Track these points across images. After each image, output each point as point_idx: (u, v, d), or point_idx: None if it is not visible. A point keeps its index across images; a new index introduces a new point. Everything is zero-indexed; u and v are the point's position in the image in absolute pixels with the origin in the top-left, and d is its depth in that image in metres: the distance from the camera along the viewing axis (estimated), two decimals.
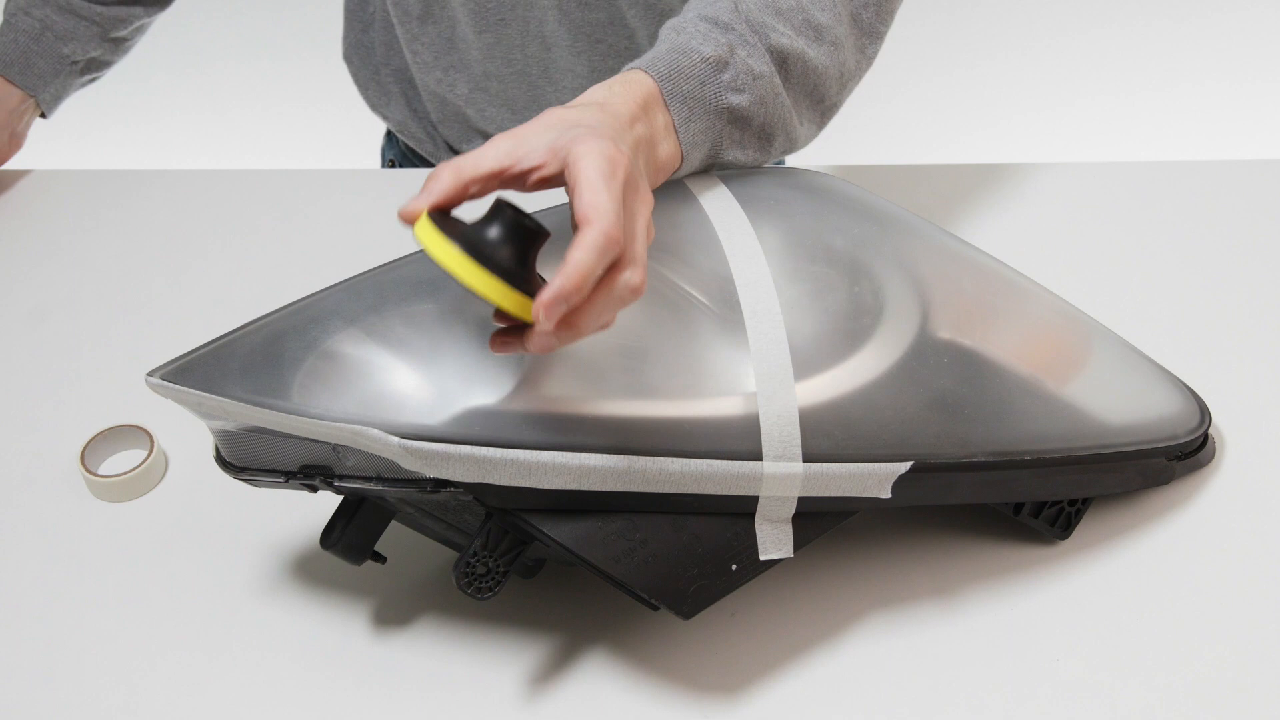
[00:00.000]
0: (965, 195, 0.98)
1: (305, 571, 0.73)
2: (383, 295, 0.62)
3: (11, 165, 1.05)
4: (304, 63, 2.38)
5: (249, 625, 0.70)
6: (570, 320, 0.53)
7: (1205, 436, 0.75)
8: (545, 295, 0.51)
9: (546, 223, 0.63)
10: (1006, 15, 2.62)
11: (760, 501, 0.61)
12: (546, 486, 0.58)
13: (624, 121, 0.60)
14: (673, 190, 0.67)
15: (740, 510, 0.62)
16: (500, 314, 0.57)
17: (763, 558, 0.62)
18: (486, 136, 1.06)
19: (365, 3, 1.09)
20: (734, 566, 0.62)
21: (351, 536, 0.64)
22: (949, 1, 2.64)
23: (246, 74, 2.52)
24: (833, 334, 0.63)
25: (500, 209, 0.54)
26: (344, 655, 0.69)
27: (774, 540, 0.63)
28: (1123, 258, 0.92)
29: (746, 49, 0.66)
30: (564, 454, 0.58)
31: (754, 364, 0.61)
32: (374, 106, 1.13)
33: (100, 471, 0.79)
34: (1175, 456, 0.73)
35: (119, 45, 1.06)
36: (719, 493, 0.61)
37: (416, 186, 1.02)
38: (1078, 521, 0.72)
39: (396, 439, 0.56)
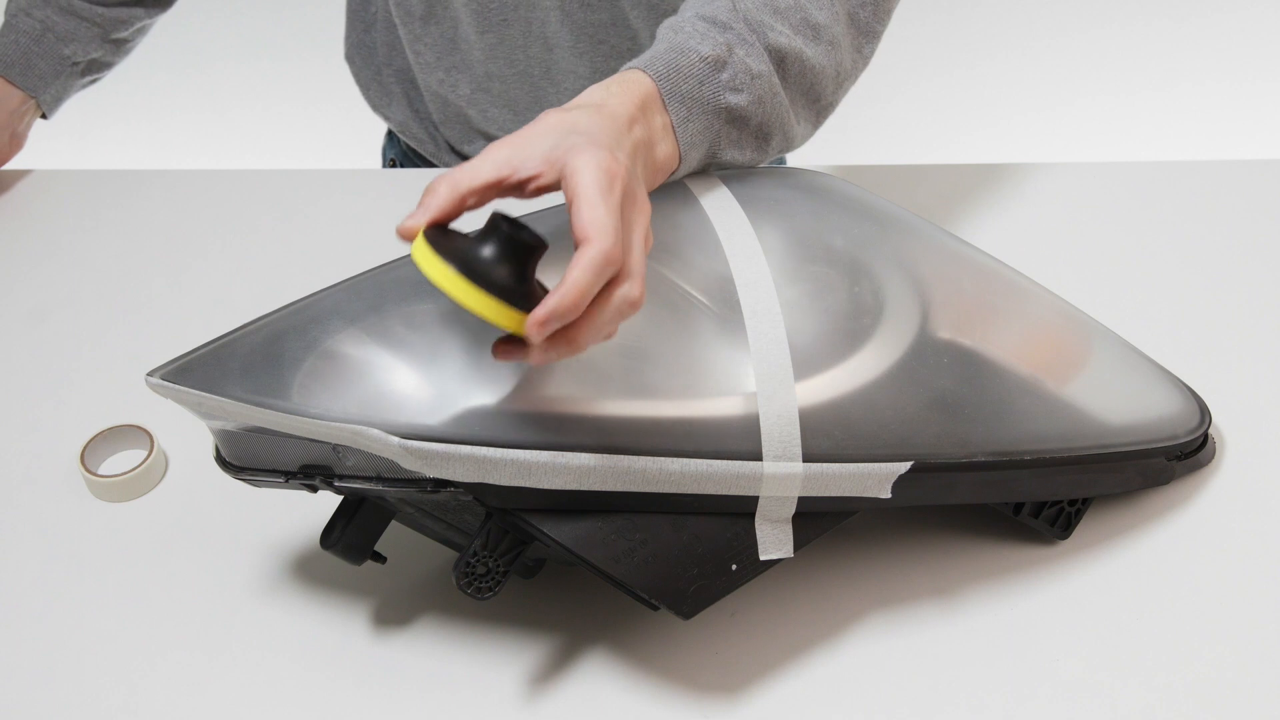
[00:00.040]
0: (965, 195, 0.98)
1: (305, 571, 0.73)
2: (383, 295, 0.62)
3: (11, 165, 1.05)
4: (304, 63, 2.38)
5: (249, 625, 0.70)
6: (569, 335, 0.53)
7: (1205, 436, 0.75)
8: (538, 313, 0.51)
9: (547, 222, 0.63)
10: (1006, 15, 2.62)
11: (760, 501, 0.61)
12: (546, 486, 0.58)
13: (622, 124, 0.60)
14: (673, 190, 0.67)
15: (740, 510, 0.62)
16: None
17: (763, 558, 0.62)
18: (488, 137, 1.06)
19: (367, 3, 1.09)
20: (734, 566, 0.62)
21: (351, 536, 0.64)
22: (949, 1, 2.64)
23: (246, 74, 2.52)
24: (833, 334, 0.63)
25: (496, 225, 0.53)
26: (344, 655, 0.69)
27: (774, 540, 0.63)
28: (1123, 258, 0.92)
29: (745, 48, 0.66)
30: (564, 454, 0.58)
31: (754, 364, 0.61)
32: (375, 107, 1.13)
33: (100, 471, 0.79)
34: (1175, 456, 0.73)
35: (120, 46, 1.06)
36: (719, 493, 0.61)
37: (417, 186, 1.02)
38: (1078, 521, 0.72)
39: (396, 439, 0.56)
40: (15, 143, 1.04)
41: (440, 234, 0.54)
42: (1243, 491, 0.76)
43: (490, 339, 0.57)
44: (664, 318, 0.61)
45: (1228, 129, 2.30)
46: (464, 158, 1.09)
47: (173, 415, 0.81)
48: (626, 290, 0.53)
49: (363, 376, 0.59)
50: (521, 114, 1.04)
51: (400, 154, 1.17)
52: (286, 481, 0.62)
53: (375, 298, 0.62)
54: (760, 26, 0.66)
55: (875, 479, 0.63)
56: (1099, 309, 0.86)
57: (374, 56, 1.11)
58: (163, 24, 1.11)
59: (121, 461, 0.80)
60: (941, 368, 0.65)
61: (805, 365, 0.61)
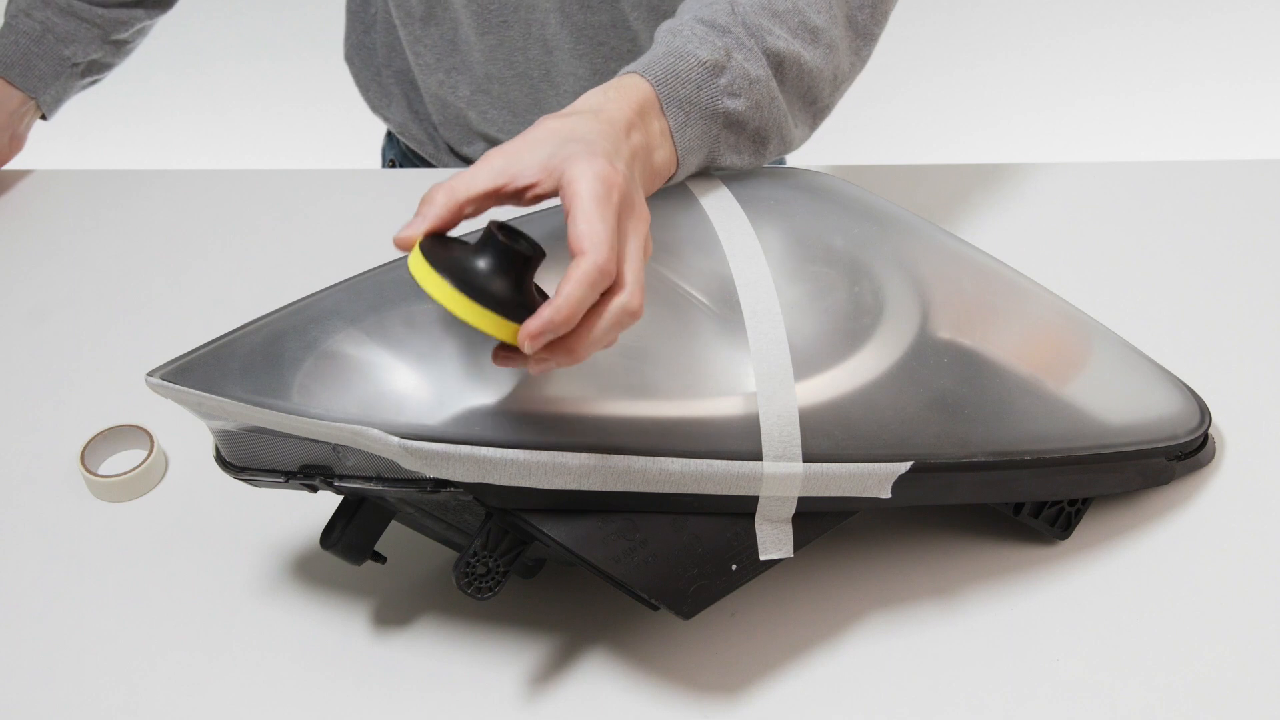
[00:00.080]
0: (965, 195, 0.98)
1: (305, 571, 0.73)
2: (383, 295, 0.62)
3: (11, 165, 1.05)
4: (305, 63, 2.38)
5: (249, 625, 0.70)
6: (566, 345, 0.53)
7: (1205, 436, 0.75)
8: (531, 325, 0.51)
9: (549, 222, 0.63)
10: (1006, 15, 2.62)
11: (760, 501, 0.61)
12: (546, 486, 0.58)
13: (619, 130, 0.60)
14: (673, 191, 0.67)
15: (740, 510, 0.62)
16: None
17: (763, 558, 0.62)
18: (488, 138, 1.06)
19: (367, 4, 1.09)
20: (734, 566, 0.62)
21: (351, 536, 0.64)
22: (949, 1, 2.64)
23: (246, 74, 2.52)
24: (833, 334, 0.63)
25: (491, 237, 0.53)
26: (344, 655, 0.69)
27: (774, 540, 0.63)
28: (1123, 258, 0.92)
29: (743, 52, 0.65)
30: (564, 454, 0.58)
31: (754, 364, 0.61)
32: (375, 108, 1.13)
33: (100, 471, 0.79)
34: (1175, 456, 0.73)
35: (120, 48, 1.06)
36: (719, 493, 0.61)
37: (416, 187, 1.02)
38: (1078, 521, 0.72)
39: (396, 439, 0.56)
40: (15, 144, 1.04)
41: (437, 244, 0.54)
42: (1243, 491, 0.76)
43: (491, 341, 0.57)
44: (664, 318, 0.61)
45: (1228, 129, 2.30)
46: (463, 159, 1.09)
47: (173, 415, 0.81)
48: (625, 300, 0.53)
49: (363, 376, 0.59)
50: (521, 115, 1.04)
51: (400, 155, 1.17)
52: (286, 481, 0.62)
53: (375, 298, 0.62)
54: (758, 30, 0.66)
55: (875, 479, 0.63)
56: (1099, 309, 0.86)
57: (374, 58, 1.11)
58: (163, 24, 1.11)
59: (121, 461, 0.80)
60: (941, 368, 0.65)
61: (805, 365, 0.61)
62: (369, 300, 0.62)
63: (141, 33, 1.07)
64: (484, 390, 0.58)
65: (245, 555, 0.74)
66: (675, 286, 0.62)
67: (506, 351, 0.55)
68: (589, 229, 0.52)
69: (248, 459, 0.63)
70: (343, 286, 0.64)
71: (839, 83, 0.72)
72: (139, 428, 0.80)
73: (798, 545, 0.63)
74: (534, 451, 0.57)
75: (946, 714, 0.65)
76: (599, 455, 0.58)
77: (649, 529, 0.60)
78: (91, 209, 1.01)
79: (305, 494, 0.76)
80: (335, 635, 0.70)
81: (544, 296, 0.55)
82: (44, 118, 1.05)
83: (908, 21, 2.55)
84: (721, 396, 0.60)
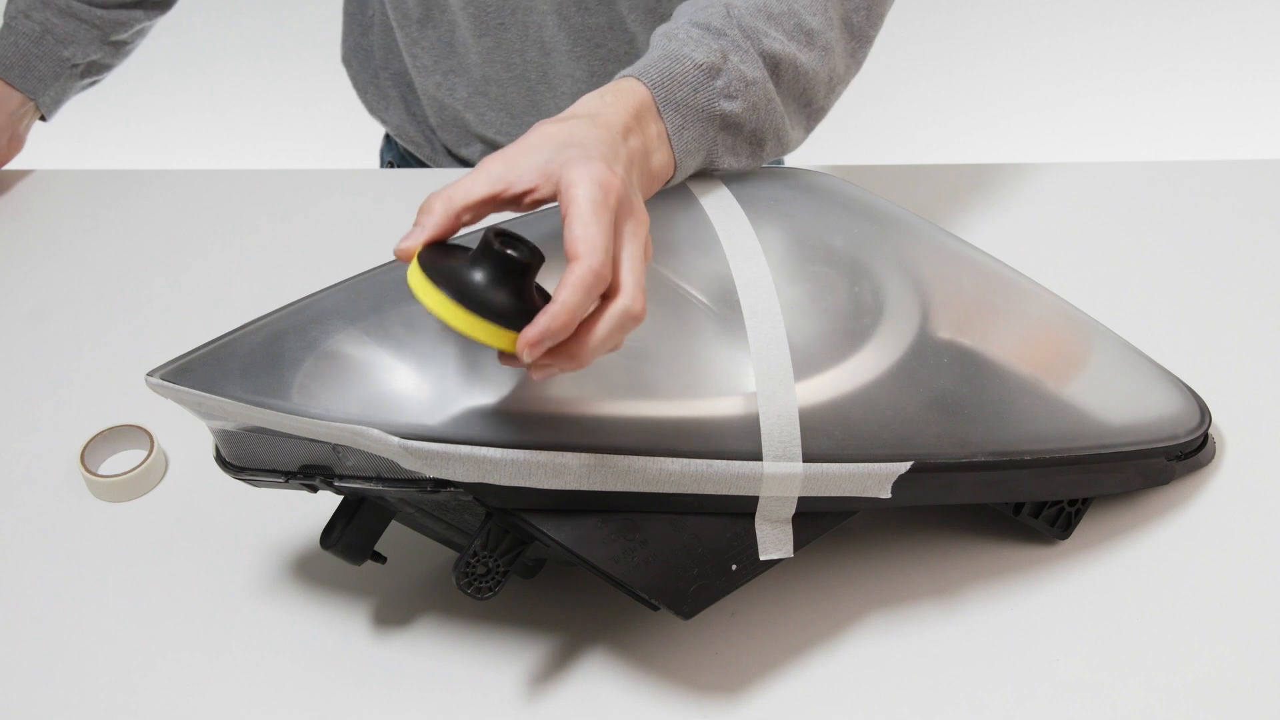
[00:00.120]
0: (965, 195, 0.98)
1: (305, 571, 0.73)
2: (383, 295, 0.62)
3: (11, 166, 1.05)
4: (305, 63, 2.38)
5: (249, 625, 0.70)
6: (568, 351, 0.53)
7: (1205, 436, 0.75)
8: (529, 334, 0.51)
9: (548, 223, 0.63)
10: (1006, 15, 2.62)
11: (760, 501, 0.61)
12: (546, 486, 0.58)
13: (617, 134, 0.59)
14: (672, 191, 0.67)
15: (740, 510, 0.62)
16: None
17: (763, 558, 0.62)
18: (485, 140, 1.06)
19: (364, 6, 1.09)
20: (734, 566, 0.62)
21: (351, 536, 0.64)
22: (949, 1, 2.64)
23: (247, 74, 2.52)
24: (833, 334, 0.63)
25: (488, 247, 0.53)
26: (344, 655, 0.69)
27: (774, 540, 0.63)
28: (1123, 258, 0.92)
29: (739, 55, 0.65)
30: (564, 454, 0.58)
31: (754, 364, 0.61)
32: (373, 110, 1.13)
33: (100, 471, 0.79)
34: (1175, 456, 0.73)
35: (119, 49, 1.06)
36: (719, 493, 0.61)
37: (417, 187, 1.02)
38: (1078, 521, 0.72)
39: (396, 439, 0.56)
40: (15, 144, 1.04)
41: (436, 254, 0.54)
42: (1243, 491, 0.76)
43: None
44: (664, 318, 0.61)
45: (1228, 129, 2.30)
46: (461, 161, 1.09)
47: (173, 415, 0.81)
48: (628, 305, 0.53)
49: (363, 376, 0.59)
50: (519, 117, 1.04)
51: (398, 158, 1.17)
52: (286, 481, 0.62)
53: (375, 298, 0.62)
54: (754, 33, 0.66)
55: (875, 479, 0.63)
56: (1099, 309, 0.86)
57: (371, 60, 1.10)
58: (162, 24, 1.11)
59: (121, 461, 0.80)
60: (941, 368, 0.65)
61: (805, 365, 0.61)
62: (369, 300, 0.62)
63: (141, 34, 1.07)
64: (484, 390, 0.58)
65: (245, 555, 0.74)
66: (675, 286, 0.62)
67: (511, 357, 0.55)
68: (584, 233, 0.52)
69: (248, 459, 0.63)
70: (343, 286, 0.64)
71: (834, 85, 0.72)
72: (139, 428, 0.80)
73: (798, 545, 0.63)
74: (534, 451, 0.57)
75: (946, 714, 0.65)
76: (599, 455, 0.58)
77: (649, 529, 0.61)
78: (91, 209, 1.01)
79: (305, 494, 0.76)
80: (335, 635, 0.70)
81: (546, 298, 0.55)
82: (43, 119, 1.05)
83: (908, 21, 2.55)
84: (721, 396, 0.60)
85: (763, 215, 0.66)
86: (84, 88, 1.06)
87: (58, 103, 1.04)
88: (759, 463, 0.60)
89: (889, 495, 0.63)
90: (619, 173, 0.55)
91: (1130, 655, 0.68)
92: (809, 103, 0.70)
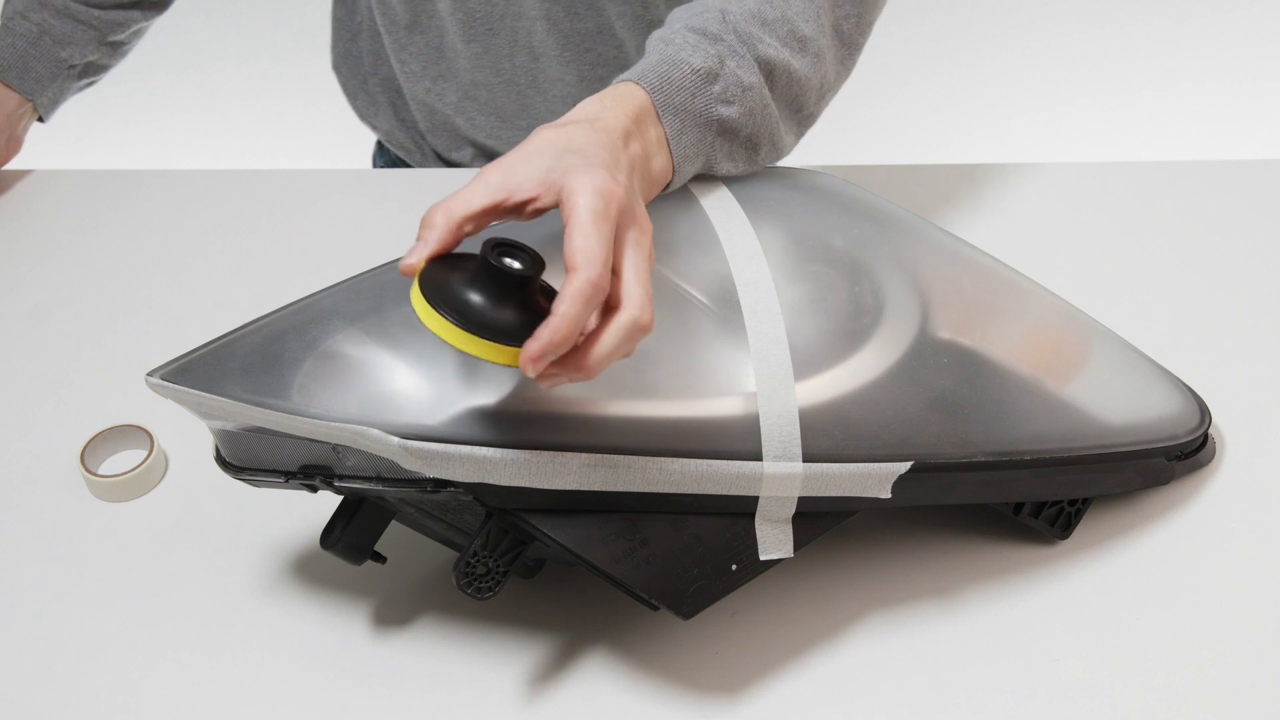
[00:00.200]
0: (965, 195, 0.98)
1: (305, 571, 0.73)
2: (382, 295, 0.62)
3: (10, 165, 1.05)
4: (305, 63, 2.38)
5: (249, 625, 0.70)
6: (576, 363, 0.53)
7: (1205, 436, 0.75)
8: (530, 348, 0.51)
9: (549, 225, 0.63)
10: (1006, 15, 2.62)
11: (760, 501, 0.61)
12: (546, 486, 0.58)
13: (617, 139, 0.59)
14: (673, 191, 0.67)
15: (740, 510, 0.62)
16: None
17: (763, 558, 0.62)
18: (476, 144, 1.06)
19: (353, 12, 1.09)
20: (734, 566, 0.62)
21: (351, 536, 0.64)
22: (949, 1, 2.64)
23: (247, 74, 2.52)
24: (833, 334, 0.63)
25: (485, 265, 0.53)
26: (344, 655, 0.69)
27: (774, 540, 0.63)
28: (1123, 258, 0.92)
29: (736, 60, 0.65)
30: (564, 454, 0.58)
31: (754, 364, 0.61)
32: (363, 116, 1.13)
33: (100, 471, 0.79)
34: (1175, 456, 0.73)
35: (116, 49, 1.06)
36: (719, 493, 0.61)
37: (416, 187, 1.02)
38: (1078, 521, 0.72)
39: (396, 439, 0.56)
40: (13, 145, 1.04)
41: (439, 270, 0.54)
42: (1243, 491, 0.76)
43: None
44: (664, 318, 0.61)
45: (1228, 129, 2.30)
46: (451, 166, 1.09)
47: (173, 415, 0.81)
48: (636, 315, 0.53)
49: (363, 376, 0.59)
50: (509, 121, 1.04)
51: (389, 164, 1.17)
52: (286, 481, 0.62)
53: (375, 298, 0.62)
54: (750, 38, 0.66)
55: (875, 479, 0.63)
56: (1099, 309, 0.86)
57: (360, 65, 1.10)
58: (162, 25, 1.11)
59: (121, 461, 0.80)
60: (941, 368, 0.65)
61: (805, 365, 0.61)
62: (369, 300, 0.62)
63: (138, 34, 1.07)
64: (484, 390, 0.58)
65: (245, 555, 0.74)
66: (675, 286, 0.62)
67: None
68: (583, 244, 0.52)
69: (248, 459, 0.63)
70: (343, 286, 0.64)
71: (825, 91, 0.72)
72: (139, 428, 0.80)
73: (798, 545, 0.63)
74: (534, 451, 0.57)
75: (946, 714, 0.65)
76: (599, 455, 0.58)
77: (649, 529, 0.61)
78: (91, 209, 1.01)
79: (305, 494, 0.76)
80: (335, 635, 0.70)
81: (553, 297, 0.55)
82: (41, 120, 1.05)
83: (908, 21, 2.56)
84: (721, 396, 0.60)
85: (763, 215, 0.66)
86: (81, 88, 1.06)
87: (55, 103, 1.04)
88: (759, 463, 0.60)
89: (889, 495, 0.63)
90: (621, 180, 0.55)
91: (1130, 655, 0.68)
92: (800, 109, 0.70)
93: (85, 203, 1.02)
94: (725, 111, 0.65)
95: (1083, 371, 0.72)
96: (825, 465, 0.61)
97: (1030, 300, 0.73)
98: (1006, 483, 0.67)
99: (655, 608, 0.61)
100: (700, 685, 0.67)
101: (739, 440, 0.60)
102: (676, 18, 0.68)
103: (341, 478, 0.61)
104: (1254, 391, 0.82)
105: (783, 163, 0.78)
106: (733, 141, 0.67)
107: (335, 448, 0.59)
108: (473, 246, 0.56)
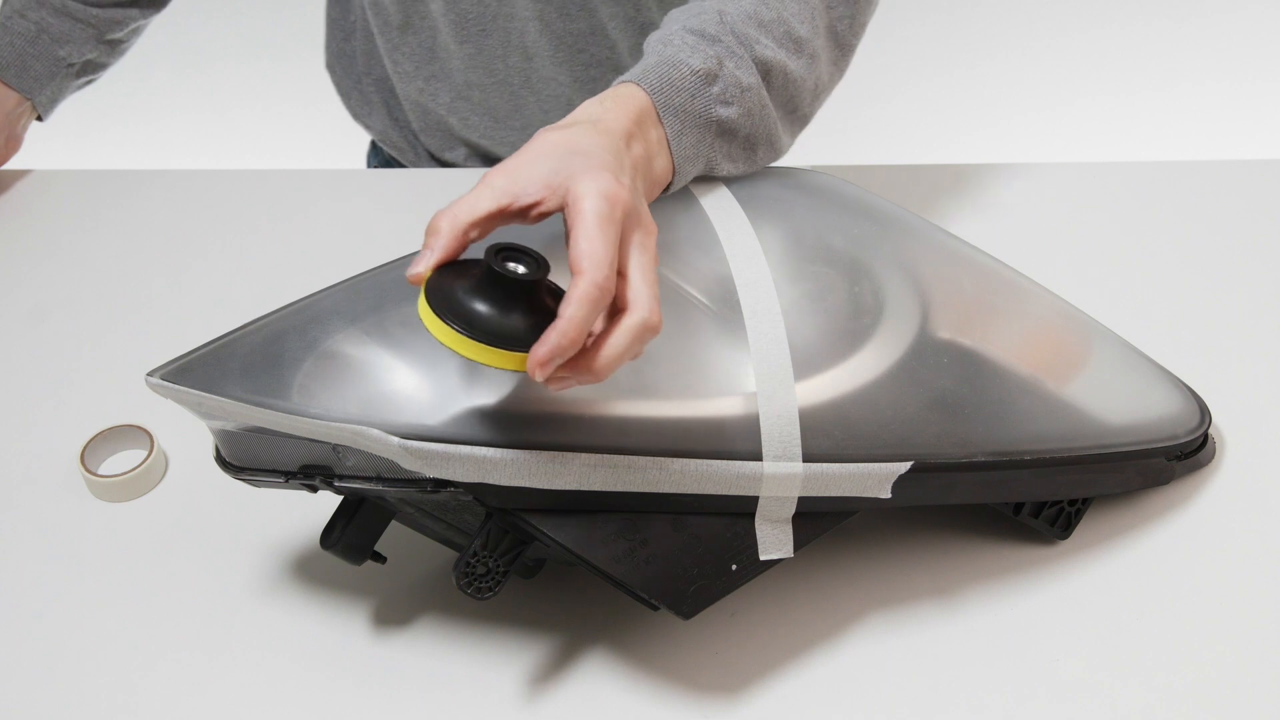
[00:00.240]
0: (965, 195, 0.98)
1: (305, 571, 0.73)
2: (382, 295, 0.62)
3: (10, 165, 1.05)
4: (305, 63, 2.38)
5: (249, 625, 0.70)
6: (585, 366, 0.53)
7: (1205, 436, 0.75)
8: (538, 353, 0.51)
9: (550, 227, 0.63)
10: (1006, 15, 2.62)
11: (760, 501, 0.61)
12: (546, 486, 0.58)
13: (620, 141, 0.59)
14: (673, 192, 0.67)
15: (740, 510, 0.62)
16: None
17: (763, 558, 0.62)
18: (469, 144, 1.06)
19: (346, 12, 1.09)
20: (734, 566, 0.62)
21: (351, 536, 0.64)
22: (949, 1, 2.64)
23: (247, 74, 2.52)
24: (833, 334, 0.63)
25: (489, 274, 0.53)
26: (344, 655, 0.69)
27: (774, 540, 0.63)
28: (1123, 258, 0.92)
29: (734, 61, 0.65)
30: (564, 454, 0.58)
31: (754, 364, 0.61)
32: (356, 116, 1.13)
33: (100, 471, 0.79)
34: (1175, 456, 0.73)
35: (115, 47, 1.06)
36: (719, 493, 0.61)
37: (417, 187, 1.02)
38: (1078, 521, 0.72)
39: (396, 439, 0.56)
40: (12, 144, 1.04)
41: (446, 276, 0.54)
42: (1243, 491, 0.76)
43: None
44: (664, 318, 0.61)
45: (1228, 129, 2.30)
46: (445, 166, 1.09)
47: (173, 415, 0.81)
48: (645, 317, 0.53)
49: (363, 376, 0.59)
50: (503, 121, 1.04)
51: (383, 164, 1.17)
52: (286, 481, 0.62)
53: (375, 298, 0.62)
54: (747, 39, 0.66)
55: (875, 479, 0.63)
56: (1099, 309, 0.86)
57: (353, 65, 1.10)
58: (161, 25, 1.11)
59: (121, 461, 0.80)
60: (941, 368, 0.65)
61: (805, 365, 0.61)
62: (369, 300, 0.62)
63: (136, 32, 1.07)
64: (484, 390, 0.58)
65: (245, 555, 0.74)
66: (675, 286, 0.62)
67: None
68: (589, 247, 0.52)
69: (248, 459, 0.63)
70: (343, 286, 0.64)
71: (819, 92, 0.72)
72: (139, 428, 0.80)
73: (798, 545, 0.63)
74: (534, 451, 0.57)
75: (946, 714, 0.65)
76: (599, 455, 0.58)
77: (649, 529, 0.61)
78: (91, 209, 1.01)
79: (305, 494, 0.76)
80: (335, 635, 0.70)
81: (560, 297, 0.55)
82: (40, 118, 1.05)
83: (908, 21, 2.56)
84: (721, 396, 0.60)
85: (763, 215, 0.66)
86: (80, 87, 1.06)
87: (54, 102, 1.04)
88: (759, 463, 0.60)
89: (889, 495, 0.63)
90: (626, 183, 0.55)
91: (1130, 655, 0.68)
92: (795, 109, 0.71)
93: (85, 203, 1.02)
94: (724, 112, 0.65)
95: (1083, 371, 0.72)
96: (825, 465, 0.61)
97: (1030, 300, 0.73)
98: (1006, 483, 0.67)
99: (655, 608, 0.61)
100: (700, 685, 0.67)
101: (739, 440, 0.60)
102: (674, 19, 0.68)
103: (341, 478, 0.61)
104: (1254, 391, 0.82)
105: (783, 163, 0.78)
106: (731, 142, 0.67)
107: (335, 448, 0.59)
108: (476, 251, 0.56)
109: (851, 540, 0.73)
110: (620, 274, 0.54)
